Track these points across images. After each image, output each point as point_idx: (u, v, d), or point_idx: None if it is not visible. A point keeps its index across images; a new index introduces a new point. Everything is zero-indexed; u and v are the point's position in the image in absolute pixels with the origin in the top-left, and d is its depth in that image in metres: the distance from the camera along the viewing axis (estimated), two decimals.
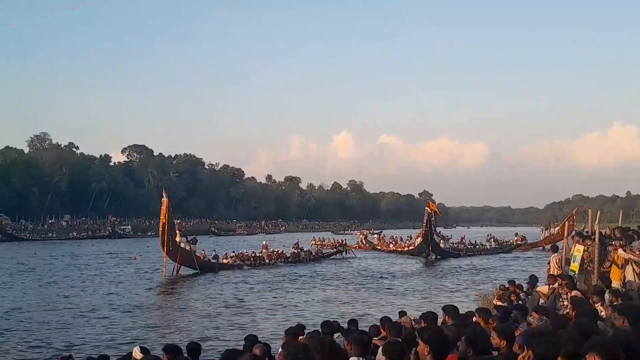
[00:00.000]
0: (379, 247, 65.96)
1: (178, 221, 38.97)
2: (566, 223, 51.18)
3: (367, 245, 68.54)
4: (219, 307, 24.57)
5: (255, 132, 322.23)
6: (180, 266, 37.12)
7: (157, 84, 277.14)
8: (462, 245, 60.05)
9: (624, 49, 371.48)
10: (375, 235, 76.97)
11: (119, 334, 18.98)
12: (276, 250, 48.64)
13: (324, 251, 56.24)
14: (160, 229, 36.55)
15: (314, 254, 51.89)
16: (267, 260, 44.34)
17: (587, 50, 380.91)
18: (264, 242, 51.58)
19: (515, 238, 68.73)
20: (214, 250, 44.72)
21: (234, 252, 44.91)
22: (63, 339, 18.18)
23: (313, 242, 71.98)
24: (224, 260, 41.68)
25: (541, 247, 63.37)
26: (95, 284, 32.68)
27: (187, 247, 37.37)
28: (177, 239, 36.44)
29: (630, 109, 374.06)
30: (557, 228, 64.73)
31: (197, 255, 38.65)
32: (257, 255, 44.93)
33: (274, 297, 27.61)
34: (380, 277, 37.10)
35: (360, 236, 73.82)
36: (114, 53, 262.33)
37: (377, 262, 49.77)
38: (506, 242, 66.88)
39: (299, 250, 50.78)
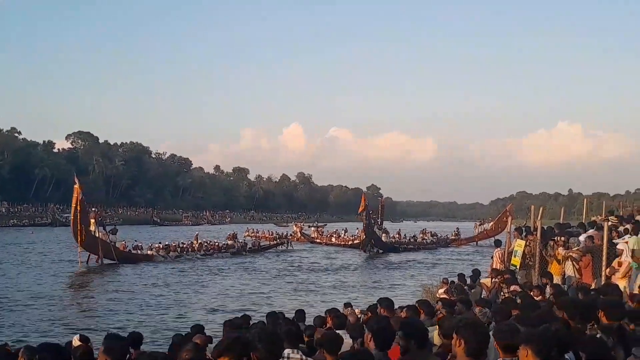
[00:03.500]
0: (317, 240, 65.21)
1: (93, 209, 37.60)
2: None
3: (303, 238, 67.47)
4: (125, 300, 23.79)
5: (206, 124, 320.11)
6: (101, 257, 35.59)
7: (105, 70, 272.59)
8: (399, 239, 59.42)
9: (571, 50, 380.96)
10: (312, 228, 75.64)
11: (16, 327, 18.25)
12: (208, 241, 47.33)
13: (262, 243, 54.98)
14: (72, 217, 34.86)
15: (250, 246, 50.53)
16: (196, 252, 42.93)
17: (535, 50, 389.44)
18: (196, 233, 50.15)
19: (453, 233, 69.50)
20: (136, 240, 43.10)
21: (160, 242, 43.42)
22: None
23: (247, 233, 70.18)
24: (148, 252, 40.14)
25: (474, 242, 64.66)
26: (8, 274, 31.37)
27: (103, 237, 35.91)
28: (91, 227, 34.83)
29: (576, 109, 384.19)
30: (491, 224, 66.25)
31: (115, 245, 37.17)
32: (185, 246, 43.44)
33: (189, 290, 27.03)
34: (322, 271, 36.79)
35: (295, 228, 71.95)
36: (59, 37, 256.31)
37: (317, 255, 49.29)
38: (445, 237, 67.22)
39: (234, 241, 49.22)
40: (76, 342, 7.07)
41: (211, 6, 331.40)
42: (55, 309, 21.60)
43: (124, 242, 39.85)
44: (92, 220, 35.25)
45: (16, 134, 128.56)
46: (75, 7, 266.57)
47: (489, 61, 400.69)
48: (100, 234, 35.64)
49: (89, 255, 35.58)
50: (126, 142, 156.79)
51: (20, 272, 32.48)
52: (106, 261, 35.95)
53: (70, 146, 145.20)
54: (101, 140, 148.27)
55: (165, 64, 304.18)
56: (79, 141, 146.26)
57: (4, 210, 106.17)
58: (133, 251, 39.35)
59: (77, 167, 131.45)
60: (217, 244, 46.56)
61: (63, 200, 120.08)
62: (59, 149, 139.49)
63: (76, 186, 34.35)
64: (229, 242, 48.36)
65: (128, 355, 6.09)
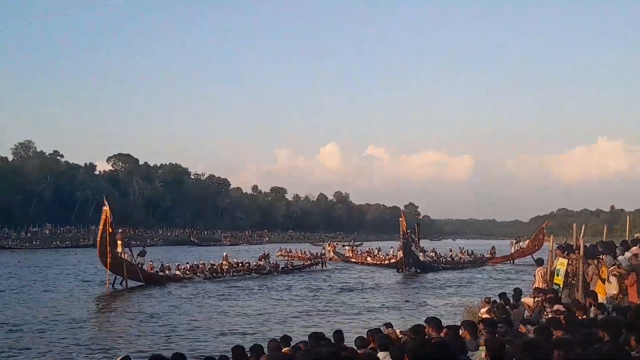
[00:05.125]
0: (352, 260, 64.24)
1: (120, 230, 37.57)
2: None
3: (337, 257, 66.70)
4: (148, 322, 23.46)
5: (243, 144, 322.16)
6: (126, 278, 34.98)
7: (144, 93, 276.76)
8: (436, 258, 57.83)
9: (611, 66, 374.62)
10: (347, 247, 74.73)
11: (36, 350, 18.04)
12: (238, 261, 46.06)
13: (295, 263, 54.08)
14: (99, 239, 34.31)
15: (283, 266, 49.29)
16: (225, 273, 42.14)
17: (574, 65, 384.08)
18: (225, 253, 48.54)
19: (489, 251, 68.24)
20: (162, 262, 42.34)
21: (187, 263, 42.84)
22: None
23: (279, 253, 69.56)
24: (177, 272, 39.53)
25: (510, 261, 63.28)
26: (38, 296, 31.51)
27: (129, 258, 35.46)
28: (119, 249, 34.40)
29: (616, 125, 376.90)
30: (527, 242, 65.15)
31: (142, 267, 36.72)
32: (215, 266, 42.54)
33: (215, 312, 26.54)
34: (356, 291, 36.11)
35: (328, 248, 70.30)
36: (100, 61, 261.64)
37: (352, 275, 48.56)
38: (481, 255, 65.70)
39: (265, 262, 47.74)
40: None
41: (248, 26, 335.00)
42: (79, 331, 21.35)
43: (151, 263, 39.55)
44: (119, 242, 34.85)
45: (58, 157, 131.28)
46: (115, 34, 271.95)
47: (527, 76, 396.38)
48: (126, 255, 35.25)
49: (115, 277, 35.20)
50: (165, 164, 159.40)
51: (49, 293, 32.67)
52: (132, 283, 35.51)
53: (111, 168, 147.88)
54: (141, 162, 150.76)
55: (202, 85, 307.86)
56: (120, 163, 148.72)
57: (47, 232, 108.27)
58: (160, 272, 38.79)
59: (118, 189, 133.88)
60: (247, 264, 45.59)
61: None
62: (100, 171, 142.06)
63: (105, 208, 34.01)
64: (260, 263, 47.13)
65: None
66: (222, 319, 24.54)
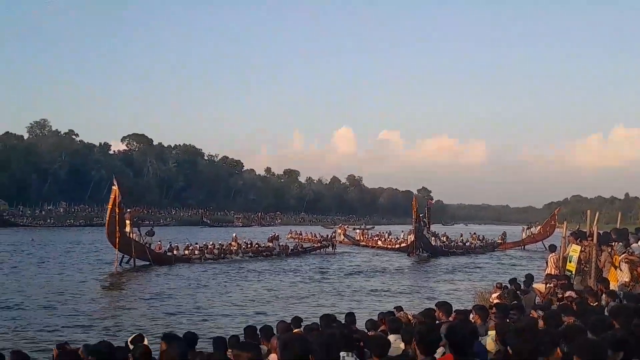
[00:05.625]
0: (362, 243, 64.07)
1: (129, 210, 37.28)
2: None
3: (347, 240, 66.73)
4: (153, 302, 23.40)
5: (256, 126, 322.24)
6: (134, 258, 35.10)
7: (159, 73, 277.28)
8: (447, 243, 57.33)
9: (628, 52, 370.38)
10: (358, 231, 74.73)
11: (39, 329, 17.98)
12: (247, 243, 45.86)
13: (304, 245, 53.97)
14: (108, 219, 34.23)
15: (292, 248, 49.16)
16: (233, 253, 42.14)
17: (591, 52, 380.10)
18: (234, 234, 48.66)
19: (499, 237, 67.77)
20: (170, 242, 42.06)
21: (196, 243, 42.69)
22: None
23: (289, 235, 69.49)
24: (185, 252, 39.67)
25: (521, 246, 62.72)
26: (47, 272, 31.82)
27: (137, 238, 35.55)
28: (127, 229, 34.44)
29: (632, 113, 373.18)
30: (538, 228, 64.82)
31: (150, 247, 36.75)
32: (224, 247, 42.59)
33: (222, 292, 26.47)
34: (365, 274, 35.85)
35: (339, 231, 70.21)
36: (116, 42, 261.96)
37: (362, 258, 48.27)
38: (492, 240, 65.31)
39: (274, 243, 47.38)
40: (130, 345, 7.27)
41: (265, 13, 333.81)
42: (84, 309, 21.35)
43: (159, 243, 39.61)
44: (128, 222, 34.93)
45: (74, 136, 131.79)
46: (127, 15, 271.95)
47: (543, 62, 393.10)
48: (134, 235, 35.34)
49: (123, 256, 35.29)
50: (179, 144, 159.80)
51: (59, 270, 32.95)
52: (140, 262, 35.60)
53: (126, 148, 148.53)
54: (155, 143, 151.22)
55: (217, 67, 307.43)
56: (134, 143, 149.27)
57: (61, 211, 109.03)
58: (168, 252, 38.85)
59: (132, 169, 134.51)
60: (256, 245, 45.47)
61: None
62: (114, 151, 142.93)
63: (114, 188, 33.91)
64: (269, 244, 46.87)
65: None
66: (229, 300, 24.51)
